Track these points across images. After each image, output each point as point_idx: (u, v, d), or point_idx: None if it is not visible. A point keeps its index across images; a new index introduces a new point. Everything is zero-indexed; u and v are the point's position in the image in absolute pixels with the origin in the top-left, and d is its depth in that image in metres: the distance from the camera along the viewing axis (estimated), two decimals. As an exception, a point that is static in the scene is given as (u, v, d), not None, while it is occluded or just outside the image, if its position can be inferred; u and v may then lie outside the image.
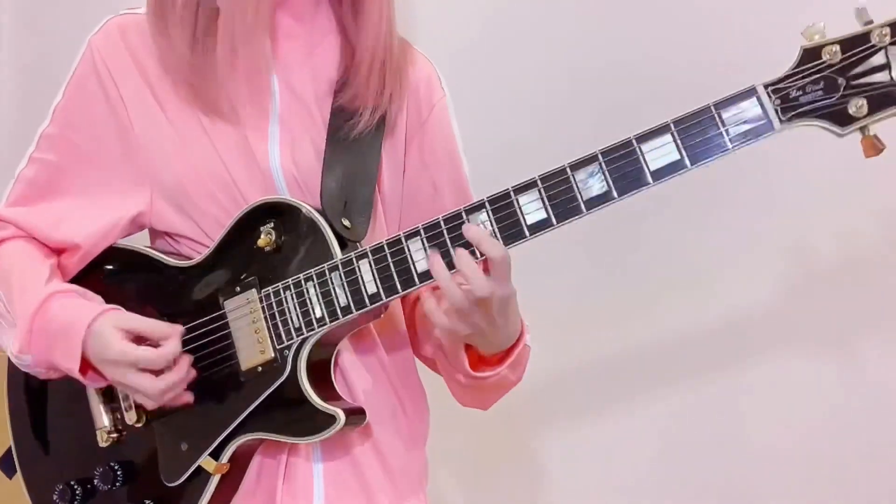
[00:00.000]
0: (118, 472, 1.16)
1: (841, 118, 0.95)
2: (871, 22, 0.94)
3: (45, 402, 1.24)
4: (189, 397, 1.13)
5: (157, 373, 1.09)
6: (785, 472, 1.66)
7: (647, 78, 1.63)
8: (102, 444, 1.18)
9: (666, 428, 1.73)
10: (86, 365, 1.12)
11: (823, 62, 0.96)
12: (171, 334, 1.10)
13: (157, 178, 1.16)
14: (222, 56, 1.13)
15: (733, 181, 1.61)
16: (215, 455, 1.12)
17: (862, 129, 0.96)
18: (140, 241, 1.23)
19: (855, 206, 1.58)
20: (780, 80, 0.97)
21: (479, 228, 1.02)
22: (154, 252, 1.20)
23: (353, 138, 1.16)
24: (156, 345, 1.10)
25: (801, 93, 0.96)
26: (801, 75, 0.96)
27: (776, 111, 0.96)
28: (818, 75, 0.96)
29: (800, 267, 1.62)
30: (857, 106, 0.95)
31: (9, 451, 1.26)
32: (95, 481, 1.17)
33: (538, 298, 1.23)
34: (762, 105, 0.96)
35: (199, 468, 1.12)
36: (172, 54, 1.15)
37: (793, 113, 0.96)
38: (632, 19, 1.70)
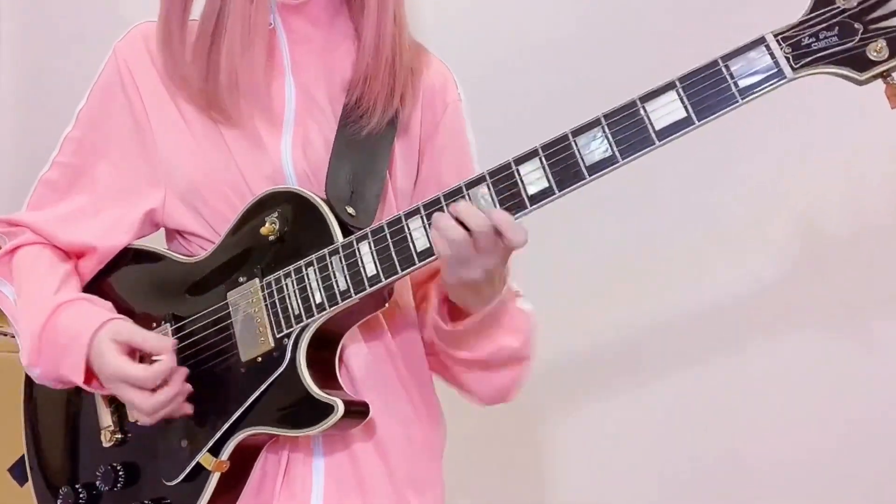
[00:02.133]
0: (119, 472, 1.12)
1: (859, 63, 0.89)
2: (889, -38, 0.88)
3: (58, 408, 1.23)
4: (188, 408, 1.09)
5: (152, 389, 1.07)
6: (792, 458, 1.61)
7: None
8: (106, 444, 1.15)
9: (670, 413, 1.69)
10: (90, 375, 1.10)
11: (837, 7, 0.90)
12: (163, 349, 1.07)
13: (171, 178, 1.15)
14: (226, 70, 1.12)
15: (736, 149, 1.57)
16: (215, 452, 1.07)
17: (885, 75, 0.89)
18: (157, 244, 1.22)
19: (866, 173, 1.52)
20: (791, 28, 0.91)
21: (465, 203, 0.99)
22: (164, 251, 1.19)
23: (363, 136, 1.15)
24: (150, 360, 1.08)
25: (813, 39, 0.90)
26: (813, 22, 0.90)
27: (787, 59, 0.90)
28: (832, 21, 0.90)
29: (809, 239, 1.54)
30: (877, 49, 0.88)
31: (21, 459, 1.24)
32: (97, 482, 1.13)
33: (533, 286, 1.18)
34: (772, 54, 0.90)
35: (199, 466, 1.08)
36: (181, 73, 1.15)
37: (806, 60, 0.90)
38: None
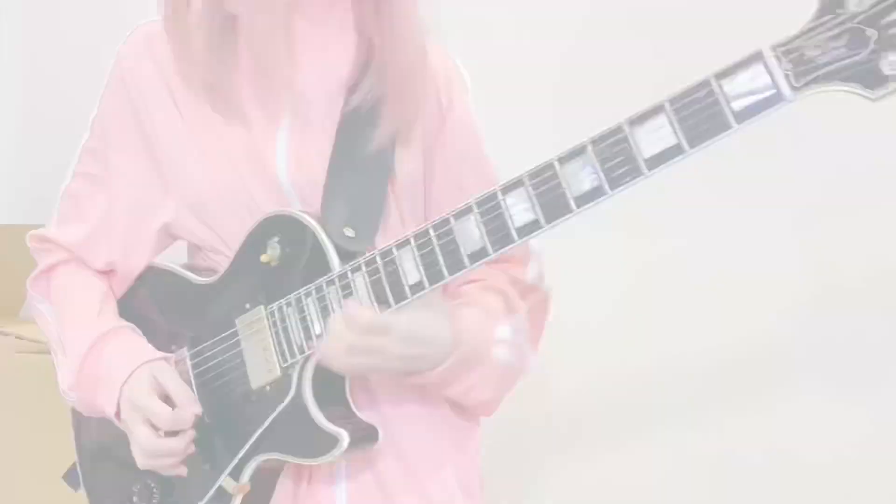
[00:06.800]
0: (154, 491, 1.17)
1: (871, 79, 0.78)
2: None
3: (98, 422, 1.27)
4: (181, 471, 1.11)
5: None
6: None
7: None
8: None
9: (684, 459, 1.66)
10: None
11: (847, 12, 0.78)
12: (189, 407, 1.09)
13: (179, 189, 1.14)
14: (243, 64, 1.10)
15: (751, 173, 1.48)
16: (235, 475, 1.10)
17: (903, 90, 0.78)
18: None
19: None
20: (793, 39, 0.80)
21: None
22: (181, 269, 1.19)
23: (362, 144, 1.10)
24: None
25: (818, 52, 0.79)
26: (819, 31, 0.79)
27: (787, 77, 0.80)
28: (841, 28, 0.79)
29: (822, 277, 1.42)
30: (892, 62, 0.77)
31: (74, 465, 1.31)
32: (134, 499, 1.19)
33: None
34: (770, 71, 0.80)
35: (221, 489, 1.11)
36: (189, 60, 1.12)
37: (808, 78, 0.80)
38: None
